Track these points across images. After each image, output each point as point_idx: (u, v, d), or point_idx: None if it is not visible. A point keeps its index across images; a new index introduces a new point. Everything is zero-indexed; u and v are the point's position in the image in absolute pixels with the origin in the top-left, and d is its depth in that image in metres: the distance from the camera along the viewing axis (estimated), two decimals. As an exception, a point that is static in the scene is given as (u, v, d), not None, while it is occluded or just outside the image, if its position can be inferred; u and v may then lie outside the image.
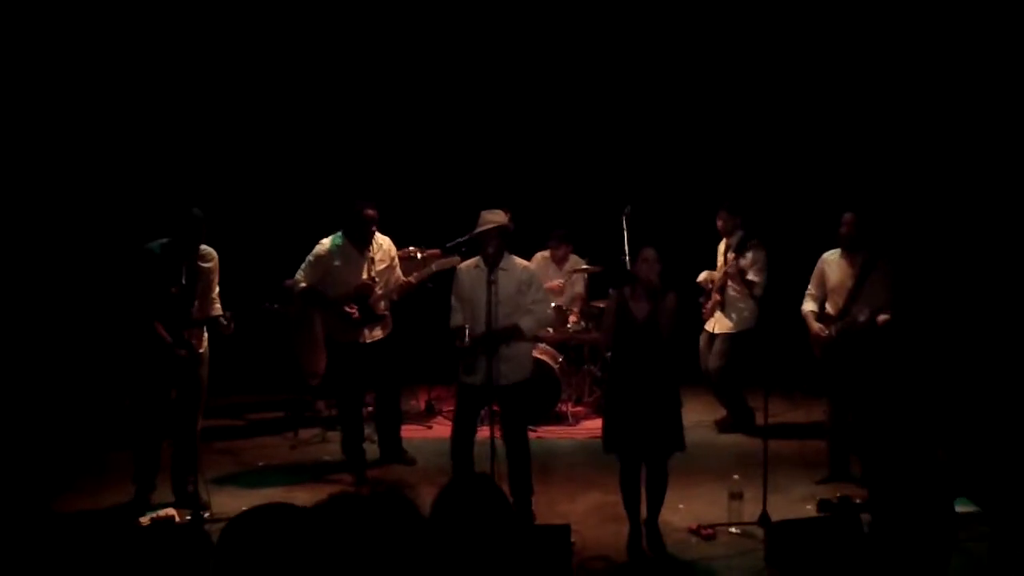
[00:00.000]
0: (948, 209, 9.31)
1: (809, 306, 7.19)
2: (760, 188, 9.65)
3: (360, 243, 7.38)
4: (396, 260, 7.62)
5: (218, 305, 6.68)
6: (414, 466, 7.69)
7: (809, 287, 7.26)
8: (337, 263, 7.34)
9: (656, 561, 5.95)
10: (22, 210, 8.88)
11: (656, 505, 6.13)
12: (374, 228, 7.40)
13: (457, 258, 7.27)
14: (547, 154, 10.57)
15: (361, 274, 7.38)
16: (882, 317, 6.76)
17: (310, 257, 7.40)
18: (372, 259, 7.42)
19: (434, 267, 7.57)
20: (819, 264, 7.21)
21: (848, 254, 7.06)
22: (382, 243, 7.52)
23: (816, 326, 7.08)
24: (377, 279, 7.42)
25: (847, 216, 7.05)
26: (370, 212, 7.33)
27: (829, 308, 7.09)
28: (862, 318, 6.74)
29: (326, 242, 7.43)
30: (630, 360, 6.05)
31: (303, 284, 7.34)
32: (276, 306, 6.79)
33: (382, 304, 7.48)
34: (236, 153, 10.27)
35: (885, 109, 9.79)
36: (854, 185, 9.35)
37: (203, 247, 6.62)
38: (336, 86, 10.40)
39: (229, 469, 7.64)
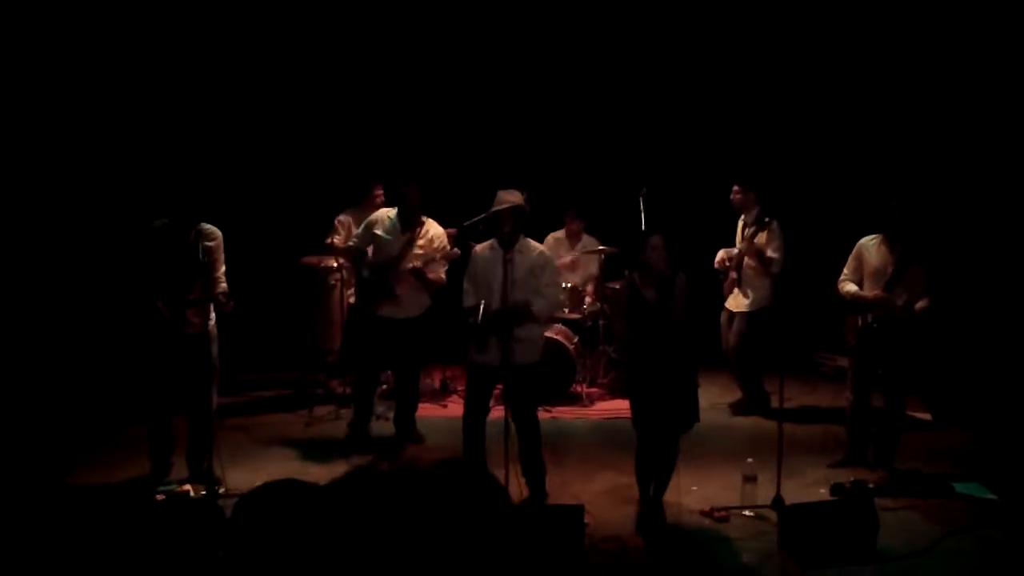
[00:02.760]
0: (981, 193, 9.24)
1: (852, 286, 7.03)
2: (777, 167, 9.60)
3: (404, 223, 7.44)
4: (443, 254, 7.56)
5: (223, 284, 6.67)
6: (423, 444, 7.71)
7: (845, 271, 7.11)
8: (379, 232, 7.47)
9: (665, 541, 5.95)
10: (34, 190, 8.90)
11: (663, 482, 6.20)
12: (414, 209, 7.43)
13: (457, 251, 7.40)
14: (564, 136, 10.54)
15: (395, 251, 7.41)
16: (920, 304, 6.69)
17: (364, 222, 7.67)
18: (412, 242, 7.44)
19: (438, 257, 7.53)
20: (857, 249, 7.07)
21: (888, 240, 6.96)
22: (429, 230, 7.52)
23: (871, 293, 6.89)
24: (402, 256, 7.41)
25: (892, 203, 6.93)
26: (412, 195, 7.41)
27: (865, 293, 6.99)
28: (899, 302, 6.69)
29: (382, 212, 7.68)
30: (645, 342, 6.09)
31: (352, 243, 7.72)
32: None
33: (403, 284, 7.43)
34: (252, 131, 10.28)
35: (911, 91, 9.70)
36: (876, 168, 9.30)
37: (206, 226, 6.61)
38: (353, 66, 10.38)
39: (244, 446, 7.67)
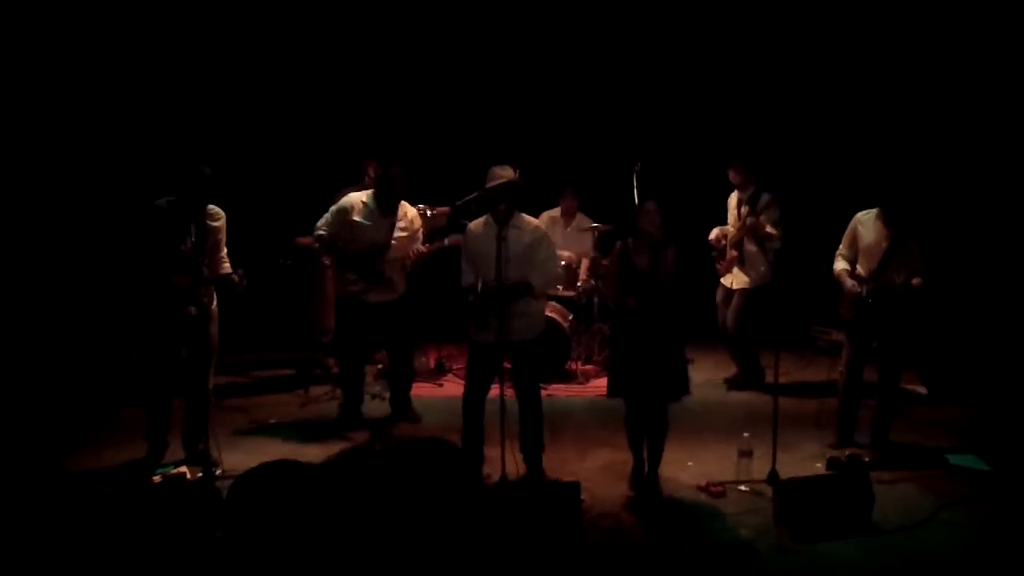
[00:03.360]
0: (978, 168, 9.22)
1: (841, 265, 7.01)
2: (774, 143, 9.59)
3: (384, 205, 7.38)
4: (420, 233, 7.56)
5: (227, 264, 6.67)
6: (419, 423, 7.72)
7: (840, 247, 7.07)
8: (357, 219, 7.36)
9: (661, 516, 5.98)
10: (35, 169, 8.87)
11: (656, 454, 6.27)
12: (398, 192, 7.39)
13: (451, 240, 7.30)
14: (556, 112, 10.51)
15: (379, 235, 7.37)
16: (915, 281, 6.69)
17: (333, 208, 7.47)
18: (394, 224, 7.41)
19: (447, 242, 7.50)
20: (852, 224, 7.02)
21: (884, 216, 6.88)
22: (407, 212, 7.50)
23: (850, 282, 6.90)
24: (394, 243, 7.40)
25: (887, 180, 6.88)
26: (395, 176, 7.34)
27: (860, 269, 6.93)
28: (899, 279, 6.69)
29: (353, 196, 7.49)
30: (633, 309, 6.12)
31: (321, 231, 7.42)
32: (290, 263, 6.78)
33: (391, 268, 7.43)
34: (248, 110, 10.25)
35: (911, 66, 9.65)
36: (874, 143, 9.28)
37: (211, 206, 6.59)
38: (347, 44, 10.34)
39: (240, 426, 7.67)
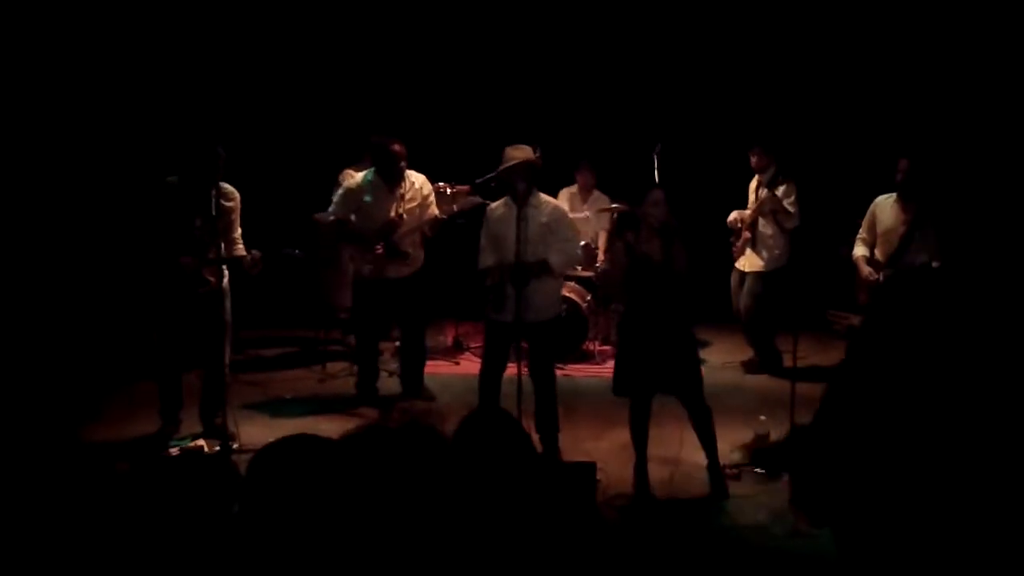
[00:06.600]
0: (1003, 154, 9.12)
1: (860, 251, 6.98)
2: (793, 125, 9.52)
3: (390, 180, 7.35)
4: (431, 198, 7.55)
5: (240, 245, 6.65)
6: (434, 401, 7.71)
7: (860, 231, 7.04)
8: (367, 199, 7.34)
9: (677, 498, 5.98)
10: (49, 145, 8.89)
11: (710, 444, 6.12)
12: (403, 164, 7.36)
13: (479, 198, 7.26)
14: (577, 92, 10.45)
15: (389, 211, 7.35)
16: (936, 264, 6.64)
17: (341, 191, 7.46)
18: (402, 196, 7.39)
19: (456, 207, 7.51)
20: (871, 208, 6.99)
21: (903, 200, 6.87)
22: (415, 181, 7.47)
23: (866, 270, 6.87)
24: (405, 216, 7.39)
25: (902, 163, 6.86)
26: (396, 148, 7.29)
27: (878, 254, 6.90)
28: (918, 263, 6.65)
29: (358, 177, 7.48)
30: (645, 301, 5.98)
31: (332, 217, 7.38)
32: (297, 252, 6.77)
33: (407, 241, 7.44)
34: (258, 92, 10.21)
35: (932, 47, 9.55)
36: (899, 129, 9.18)
37: (225, 185, 6.56)
38: (361, 20, 10.30)
39: (258, 401, 7.71)
